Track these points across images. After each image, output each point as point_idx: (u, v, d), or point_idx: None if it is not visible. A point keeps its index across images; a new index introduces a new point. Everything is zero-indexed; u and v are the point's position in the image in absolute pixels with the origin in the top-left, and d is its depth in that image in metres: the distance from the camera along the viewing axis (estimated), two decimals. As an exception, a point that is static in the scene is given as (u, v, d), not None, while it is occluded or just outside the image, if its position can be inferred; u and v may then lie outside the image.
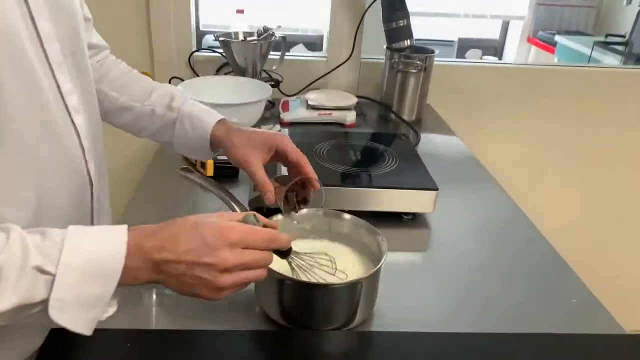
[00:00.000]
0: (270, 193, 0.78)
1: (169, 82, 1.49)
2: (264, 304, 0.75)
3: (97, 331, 0.57)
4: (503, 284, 0.88)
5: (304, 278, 0.71)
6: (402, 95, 1.50)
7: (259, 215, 0.63)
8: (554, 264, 0.93)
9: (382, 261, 0.73)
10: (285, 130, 1.18)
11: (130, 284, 0.56)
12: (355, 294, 0.72)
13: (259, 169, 0.78)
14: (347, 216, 0.84)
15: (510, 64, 1.86)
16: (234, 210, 0.80)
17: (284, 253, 0.68)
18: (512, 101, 1.74)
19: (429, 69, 1.49)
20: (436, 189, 1.00)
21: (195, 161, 1.15)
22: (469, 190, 1.17)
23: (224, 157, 1.10)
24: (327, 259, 0.74)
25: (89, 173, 0.72)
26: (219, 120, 0.84)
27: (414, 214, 1.03)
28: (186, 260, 0.56)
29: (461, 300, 0.83)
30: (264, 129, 0.80)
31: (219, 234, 0.56)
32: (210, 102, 1.22)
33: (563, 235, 1.13)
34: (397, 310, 0.80)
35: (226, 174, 1.13)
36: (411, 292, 0.85)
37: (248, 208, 0.81)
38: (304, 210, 0.84)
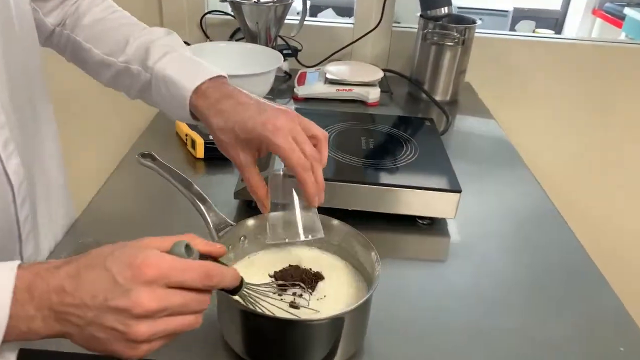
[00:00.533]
0: (264, 199, 0.63)
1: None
2: (228, 337, 0.61)
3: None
4: (535, 312, 0.71)
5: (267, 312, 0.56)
6: (436, 72, 1.31)
7: (197, 240, 0.48)
8: (597, 288, 0.75)
9: (372, 290, 0.58)
10: (292, 107, 1.02)
11: (25, 338, 0.42)
12: (335, 330, 0.57)
13: (247, 166, 0.62)
14: (337, 224, 0.68)
15: (569, 38, 1.62)
16: (199, 211, 0.66)
17: (235, 289, 0.53)
18: (566, 84, 1.51)
19: (468, 42, 1.28)
20: (459, 191, 0.82)
21: (186, 139, 1.01)
22: (501, 189, 0.99)
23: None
24: (296, 294, 0.60)
25: (5, 173, 0.58)
26: (200, 86, 0.63)
27: (431, 218, 0.86)
28: (92, 305, 0.41)
29: (482, 330, 0.67)
30: (278, 104, 0.62)
31: (131, 269, 0.41)
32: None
33: (615, 245, 0.94)
34: (396, 342, 0.64)
35: (220, 155, 0.98)
36: (417, 318, 0.69)
37: (215, 209, 0.66)
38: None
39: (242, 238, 0.67)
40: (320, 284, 0.64)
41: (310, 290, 0.62)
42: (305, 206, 0.64)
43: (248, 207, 0.85)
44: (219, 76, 0.64)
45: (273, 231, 0.64)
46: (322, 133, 0.62)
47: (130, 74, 0.68)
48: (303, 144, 0.59)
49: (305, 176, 0.58)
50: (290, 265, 0.67)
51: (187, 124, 1.01)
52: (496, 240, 0.85)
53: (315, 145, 0.61)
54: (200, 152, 0.96)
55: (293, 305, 0.60)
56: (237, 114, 0.60)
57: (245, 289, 0.54)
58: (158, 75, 0.65)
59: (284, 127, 0.58)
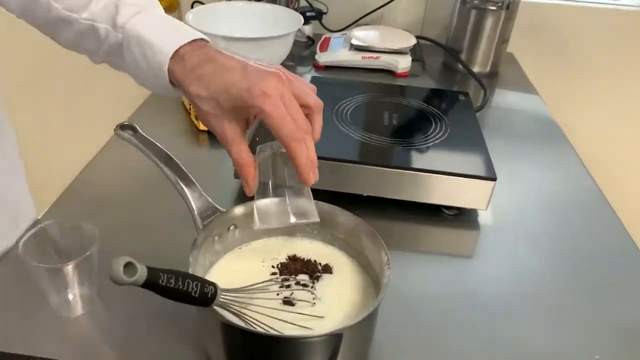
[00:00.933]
0: (251, 179, 0.53)
1: (192, 7, 1.25)
2: (212, 354, 0.52)
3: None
4: (574, 325, 0.59)
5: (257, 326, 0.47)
6: (475, 40, 1.17)
7: None
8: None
9: (378, 301, 0.47)
10: (307, 77, 0.91)
11: None
12: (332, 348, 0.47)
13: (234, 141, 0.51)
14: (344, 214, 0.58)
15: (631, 5, 1.43)
16: (182, 194, 0.56)
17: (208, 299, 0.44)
18: (625, 57, 1.34)
19: (513, 7, 1.14)
20: (493, 179, 0.70)
21: (190, 108, 0.91)
22: (542, 176, 0.86)
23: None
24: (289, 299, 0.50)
25: None
26: (178, 50, 0.52)
27: (459, 208, 0.74)
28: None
29: (508, 344, 0.56)
30: (267, 63, 0.51)
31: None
32: (223, 35, 0.98)
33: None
34: (406, 356, 0.54)
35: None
36: (433, 327, 0.58)
37: (201, 191, 0.57)
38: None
39: (231, 227, 0.57)
40: (320, 284, 0.54)
41: (312, 286, 0.53)
42: (297, 186, 0.53)
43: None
44: (201, 39, 0.53)
45: (261, 215, 0.54)
46: (315, 103, 0.51)
47: (96, 35, 0.57)
48: (294, 113, 0.48)
49: (298, 149, 0.48)
50: (289, 258, 0.57)
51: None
52: (533, 235, 0.73)
53: (307, 116, 0.50)
54: (203, 124, 0.87)
55: (287, 301, 0.51)
56: (219, 80, 0.49)
57: (222, 298, 0.45)
58: (130, 36, 0.55)
59: (273, 92, 0.47)
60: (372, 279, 0.56)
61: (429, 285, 0.64)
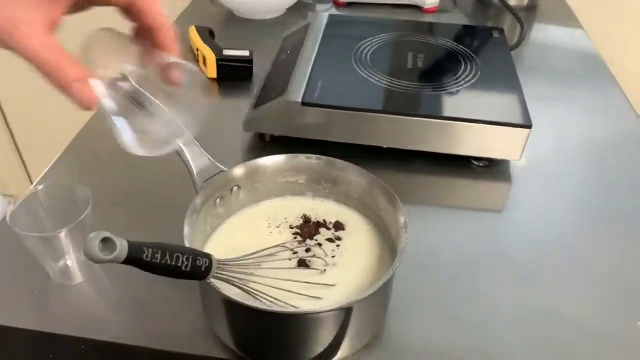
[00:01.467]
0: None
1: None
2: (216, 328, 0.48)
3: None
4: (618, 281, 0.53)
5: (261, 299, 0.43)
6: (512, -32, 1.06)
7: None
8: None
9: (393, 269, 0.42)
10: (324, 15, 0.83)
11: None
12: (342, 321, 0.43)
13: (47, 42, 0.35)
14: (357, 172, 0.52)
15: None
16: (178, 151, 0.51)
17: (204, 271, 0.39)
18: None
19: None
20: (528, 126, 0.63)
21: (197, 54, 0.85)
22: (583, 119, 0.78)
23: (232, 52, 0.80)
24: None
25: None
26: None
27: (489, 159, 0.68)
28: None
29: (537, 311, 0.51)
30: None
31: None
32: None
33: None
34: (422, 324, 0.50)
35: (236, 75, 0.82)
36: (452, 290, 0.53)
37: (199, 148, 0.52)
38: (293, 158, 0.53)
39: (234, 188, 0.52)
40: (332, 247, 0.50)
41: (324, 251, 0.48)
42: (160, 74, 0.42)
43: (261, 142, 0.70)
44: None
45: (126, 134, 0.41)
46: None
47: None
48: None
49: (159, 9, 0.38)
50: (299, 220, 0.52)
51: (200, 37, 0.85)
52: (571, 188, 0.66)
53: None
54: (211, 71, 0.81)
55: (302, 262, 0.48)
56: None
57: (219, 270, 0.40)
58: None
59: None
60: (388, 242, 0.51)
61: (454, 241, 0.59)
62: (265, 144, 0.70)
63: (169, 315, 0.50)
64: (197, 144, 0.52)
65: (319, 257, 0.48)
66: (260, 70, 0.80)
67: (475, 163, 0.68)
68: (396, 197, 0.48)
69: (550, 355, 0.48)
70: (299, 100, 0.65)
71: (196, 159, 0.51)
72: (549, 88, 0.84)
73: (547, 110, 0.77)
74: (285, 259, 0.48)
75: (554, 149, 0.72)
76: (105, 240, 0.33)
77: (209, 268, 0.39)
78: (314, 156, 0.53)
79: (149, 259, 0.35)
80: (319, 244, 0.50)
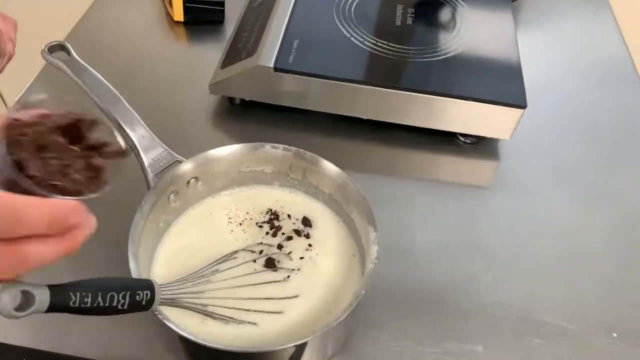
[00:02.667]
0: None
1: None
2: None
3: None
4: (607, 270, 0.51)
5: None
6: None
7: None
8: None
9: (356, 300, 0.39)
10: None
11: None
12: (295, 355, 0.40)
13: None
14: (330, 168, 0.47)
15: None
16: (127, 141, 0.45)
17: (147, 302, 0.35)
18: None
19: None
20: (522, 107, 0.57)
21: (164, -6, 0.75)
22: (583, 86, 0.72)
23: (202, -7, 0.71)
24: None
25: None
26: None
27: (478, 136, 0.62)
28: None
29: (530, 293, 0.49)
30: None
31: None
32: None
33: None
34: (394, 315, 0.47)
35: (206, 18, 0.74)
36: (436, 271, 0.50)
37: (152, 135, 0.46)
38: (258, 147, 0.48)
39: (192, 180, 0.47)
40: (296, 248, 0.46)
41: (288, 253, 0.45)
42: None
43: (231, 106, 0.64)
44: None
45: None
46: None
47: None
48: None
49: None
50: (264, 214, 0.48)
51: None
52: (565, 167, 0.62)
53: None
54: (178, 14, 0.72)
55: (269, 264, 0.45)
56: None
57: (164, 295, 0.37)
58: None
59: None
60: (359, 246, 0.47)
61: (435, 216, 0.56)
62: (235, 107, 0.64)
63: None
64: (149, 129, 0.46)
65: (281, 268, 0.44)
66: (233, 14, 0.72)
67: (462, 139, 0.63)
68: (369, 206, 0.44)
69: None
70: (271, 65, 0.58)
71: (147, 149, 0.45)
72: (549, 38, 0.77)
73: (546, 90, 0.70)
74: (245, 263, 0.44)
75: (547, 122, 0.66)
76: (24, 294, 0.29)
77: (151, 300, 0.35)
78: (281, 146, 0.48)
79: (76, 305, 0.31)
80: (280, 247, 0.46)
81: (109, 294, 0.33)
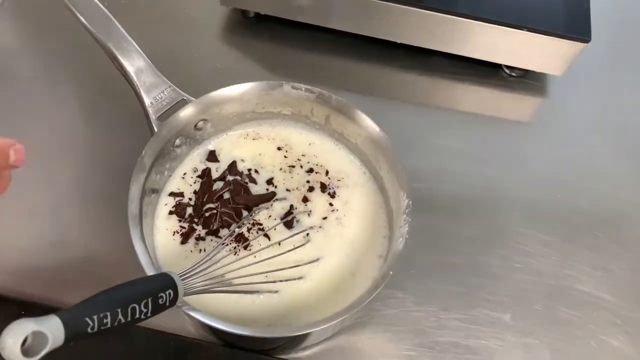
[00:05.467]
0: None
1: None
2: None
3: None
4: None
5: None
6: None
7: None
8: None
9: (384, 282, 0.35)
10: None
11: None
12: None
13: None
14: (363, 120, 0.41)
15: None
16: (129, 80, 0.39)
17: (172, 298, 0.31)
18: None
19: None
20: (586, 40, 0.49)
21: None
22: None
23: None
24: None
25: None
26: None
27: (525, 69, 0.55)
28: None
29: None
30: None
31: None
32: None
33: None
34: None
35: None
36: (467, 201, 0.46)
37: (155, 72, 0.39)
38: (275, 87, 0.41)
39: (200, 123, 0.41)
40: (318, 205, 0.41)
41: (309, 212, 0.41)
42: None
43: (243, 18, 0.56)
44: None
45: None
46: None
47: None
48: None
49: None
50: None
51: None
52: (614, 113, 0.55)
53: None
54: None
55: (288, 223, 0.40)
56: None
57: (187, 286, 0.32)
58: None
59: None
60: (387, 205, 0.42)
61: (473, 148, 0.51)
62: (249, 21, 0.56)
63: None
64: (149, 61, 0.39)
65: (300, 229, 0.40)
66: None
67: (507, 72, 0.55)
68: (403, 169, 0.38)
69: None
70: (293, -27, 0.49)
71: (149, 88, 0.39)
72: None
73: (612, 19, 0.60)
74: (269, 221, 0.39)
75: (605, 57, 0.58)
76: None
77: (174, 298, 0.31)
78: (303, 87, 0.41)
79: (95, 330, 0.26)
80: (305, 200, 0.41)
81: (130, 307, 0.28)
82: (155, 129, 0.39)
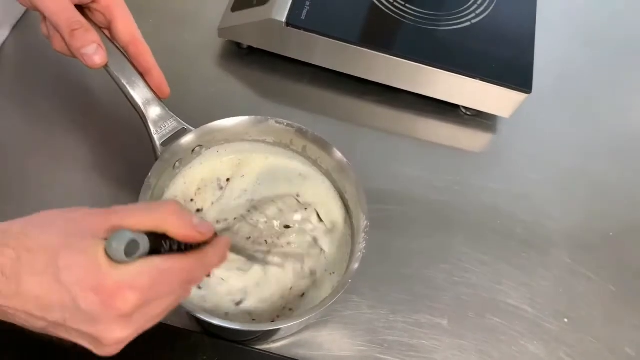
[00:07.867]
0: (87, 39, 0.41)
1: None
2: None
3: None
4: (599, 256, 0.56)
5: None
6: None
7: (173, 220, 0.33)
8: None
9: (341, 291, 0.43)
10: None
11: None
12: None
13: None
14: (329, 151, 0.49)
15: None
16: (134, 106, 0.46)
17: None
18: None
19: None
20: (527, 91, 0.58)
21: None
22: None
23: None
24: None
25: None
26: None
27: (478, 110, 0.63)
28: (41, 316, 0.30)
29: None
30: None
31: (100, 296, 0.29)
32: None
33: None
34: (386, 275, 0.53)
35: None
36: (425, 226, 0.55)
37: (155, 99, 0.47)
38: (261, 122, 0.49)
39: (197, 148, 0.49)
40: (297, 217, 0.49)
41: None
42: None
43: (238, 50, 0.63)
44: None
45: None
46: None
47: None
48: None
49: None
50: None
51: None
52: (554, 153, 0.64)
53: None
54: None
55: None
56: None
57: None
58: None
59: None
60: (351, 223, 0.50)
61: (429, 174, 0.60)
62: (243, 52, 0.63)
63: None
64: (153, 92, 0.46)
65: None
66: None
67: (464, 111, 0.64)
68: (364, 194, 0.47)
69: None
70: (284, 20, 0.57)
71: (156, 120, 0.46)
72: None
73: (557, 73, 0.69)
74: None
75: (551, 107, 0.67)
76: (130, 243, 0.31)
77: None
78: (285, 122, 0.49)
79: (167, 250, 0.33)
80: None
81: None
82: (159, 154, 0.46)
